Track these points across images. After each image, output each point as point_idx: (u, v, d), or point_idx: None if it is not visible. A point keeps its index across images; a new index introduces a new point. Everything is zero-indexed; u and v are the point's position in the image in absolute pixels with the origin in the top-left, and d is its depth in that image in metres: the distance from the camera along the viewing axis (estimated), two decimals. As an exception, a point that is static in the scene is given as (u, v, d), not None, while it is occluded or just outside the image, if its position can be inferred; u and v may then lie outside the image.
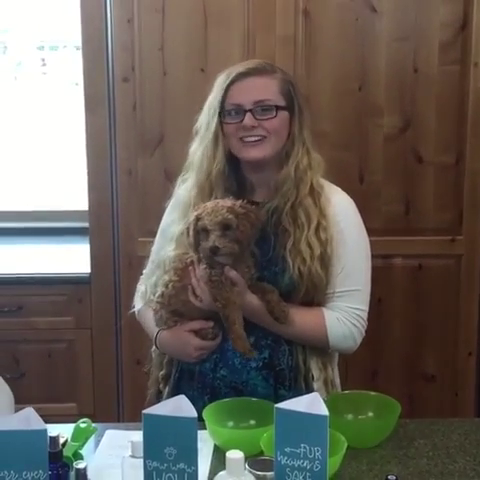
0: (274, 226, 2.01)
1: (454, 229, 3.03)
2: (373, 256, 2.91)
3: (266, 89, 1.99)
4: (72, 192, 3.76)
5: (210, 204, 1.93)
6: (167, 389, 2.12)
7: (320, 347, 2.06)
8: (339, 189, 2.10)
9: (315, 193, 2.02)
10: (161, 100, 2.94)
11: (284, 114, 2.01)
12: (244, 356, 1.96)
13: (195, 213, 1.93)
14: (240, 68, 2.01)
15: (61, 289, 3.12)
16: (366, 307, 2.07)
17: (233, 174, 2.06)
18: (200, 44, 2.90)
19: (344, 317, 2.02)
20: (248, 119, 1.96)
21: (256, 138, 1.98)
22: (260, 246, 1.99)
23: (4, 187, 4.03)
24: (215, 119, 2.00)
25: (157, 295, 2.05)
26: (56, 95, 4.31)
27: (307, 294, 2.00)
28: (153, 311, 2.08)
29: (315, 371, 2.06)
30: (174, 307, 2.03)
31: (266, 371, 2.01)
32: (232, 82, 1.99)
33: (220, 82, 2.02)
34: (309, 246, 1.97)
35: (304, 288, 1.98)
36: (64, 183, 4.03)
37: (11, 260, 3.36)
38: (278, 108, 1.98)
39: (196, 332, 2.01)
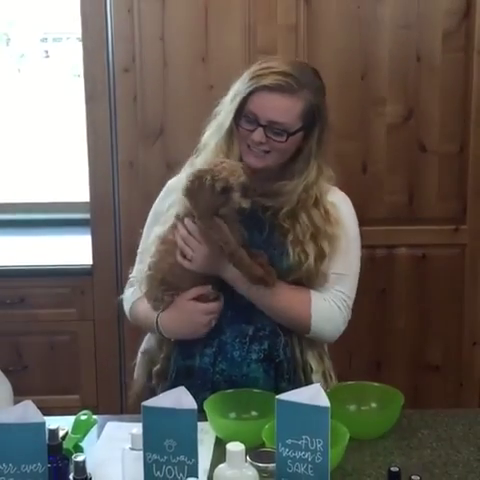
0: (270, 219, 2.00)
1: (458, 218, 3.02)
2: (377, 246, 2.97)
3: (286, 112, 1.93)
4: (74, 183, 3.75)
5: (225, 164, 1.90)
6: (161, 387, 2.02)
7: (300, 330, 2.01)
8: (334, 188, 2.08)
9: (320, 204, 2.01)
10: (162, 90, 2.92)
11: (297, 136, 1.96)
12: (265, 283, 1.91)
13: (208, 171, 1.89)
14: (269, 78, 1.91)
15: (63, 281, 3.11)
16: (352, 295, 2.05)
17: None
18: (201, 33, 2.87)
19: (330, 298, 2.00)
20: (258, 134, 1.93)
21: (261, 151, 1.95)
22: (249, 228, 1.97)
23: (6, 178, 4.03)
24: (231, 115, 1.97)
25: (145, 270, 2.01)
26: (59, 87, 4.31)
27: (299, 280, 2.00)
28: (146, 299, 2.04)
29: (313, 362, 2.04)
30: (161, 274, 1.98)
31: (267, 363, 1.99)
32: (257, 89, 1.92)
33: (249, 77, 1.95)
34: (315, 243, 1.97)
35: (297, 277, 1.98)
36: (66, 174, 4.03)
37: (13, 252, 3.34)
38: (290, 134, 1.93)
39: (197, 299, 1.97)
